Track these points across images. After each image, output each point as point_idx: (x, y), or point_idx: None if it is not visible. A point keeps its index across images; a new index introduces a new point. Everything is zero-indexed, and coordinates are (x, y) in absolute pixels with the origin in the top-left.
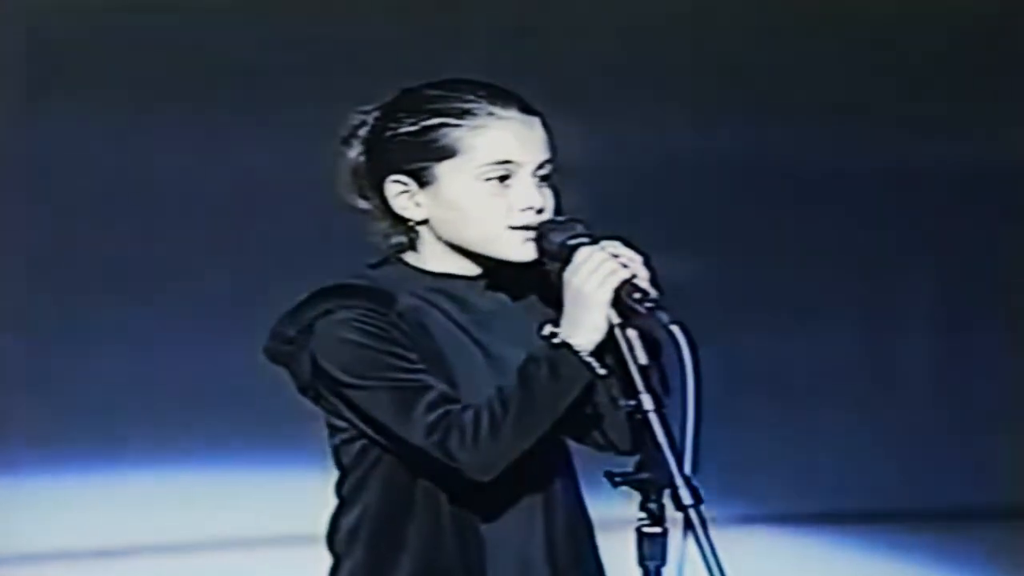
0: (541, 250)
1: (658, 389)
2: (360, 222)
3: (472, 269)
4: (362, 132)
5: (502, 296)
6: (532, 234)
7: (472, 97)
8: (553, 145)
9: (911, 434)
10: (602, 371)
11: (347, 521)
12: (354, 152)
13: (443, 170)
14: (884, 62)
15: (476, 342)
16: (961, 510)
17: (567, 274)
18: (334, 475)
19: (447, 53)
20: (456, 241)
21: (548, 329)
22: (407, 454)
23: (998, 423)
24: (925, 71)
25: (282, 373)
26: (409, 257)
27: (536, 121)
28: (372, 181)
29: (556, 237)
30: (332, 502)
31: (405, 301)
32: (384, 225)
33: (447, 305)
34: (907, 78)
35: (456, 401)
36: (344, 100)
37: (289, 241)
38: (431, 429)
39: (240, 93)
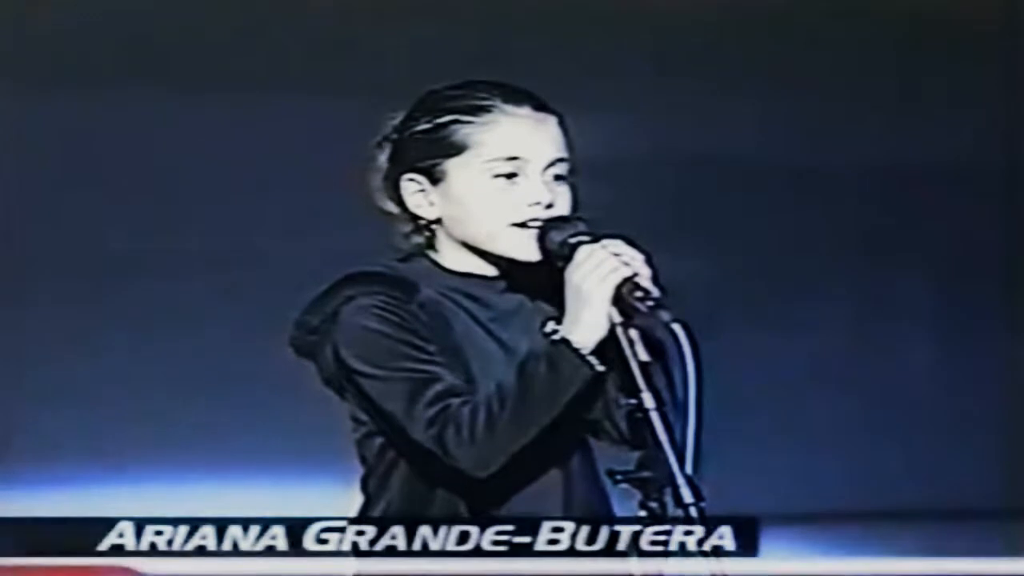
0: (543, 248)
1: (659, 388)
2: (383, 223)
3: (489, 270)
4: (392, 137)
5: (520, 296)
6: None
7: (485, 95)
8: (570, 145)
9: (910, 433)
10: (601, 368)
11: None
12: (383, 156)
13: (452, 166)
14: (885, 62)
15: (496, 339)
16: (962, 509)
17: (568, 272)
18: (352, 471)
19: (448, 53)
20: (464, 239)
21: (549, 326)
22: (408, 449)
23: (998, 422)
24: (926, 71)
25: (295, 375)
26: (431, 255)
27: (551, 119)
28: (392, 180)
29: (557, 235)
30: (359, 498)
31: (426, 292)
32: (405, 227)
33: (467, 303)
34: (908, 78)
35: (462, 395)
36: (345, 96)
37: (299, 239)
38: (430, 423)
39: (244, 85)
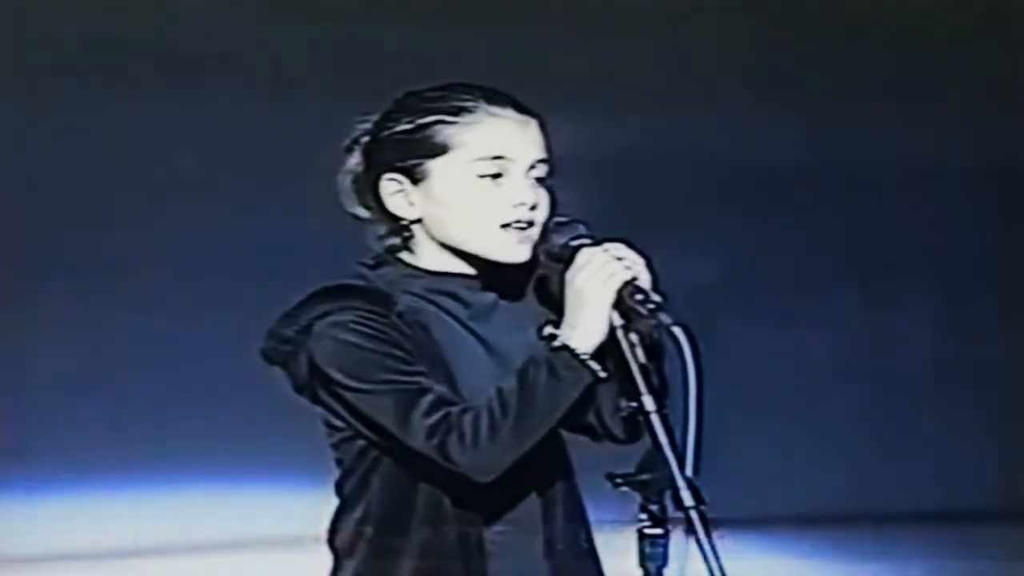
0: (543, 251)
1: (660, 390)
2: (359, 228)
3: (468, 269)
4: (363, 140)
5: (496, 293)
6: (524, 235)
7: (468, 96)
8: (549, 148)
9: (910, 435)
10: (602, 374)
11: (349, 521)
12: (354, 160)
13: (435, 166)
14: (885, 63)
15: (477, 336)
16: (960, 511)
17: (569, 275)
18: (331, 477)
19: (448, 54)
20: (447, 240)
21: (548, 330)
22: (406, 457)
23: (997, 425)
24: (926, 72)
25: (277, 376)
26: (405, 256)
27: (532, 122)
28: (369, 182)
29: (558, 238)
30: (333, 501)
31: (404, 301)
32: (381, 228)
33: (446, 302)
34: (907, 79)
35: (454, 403)
36: (342, 99)
37: (287, 241)
38: (431, 432)
39: (240, 90)
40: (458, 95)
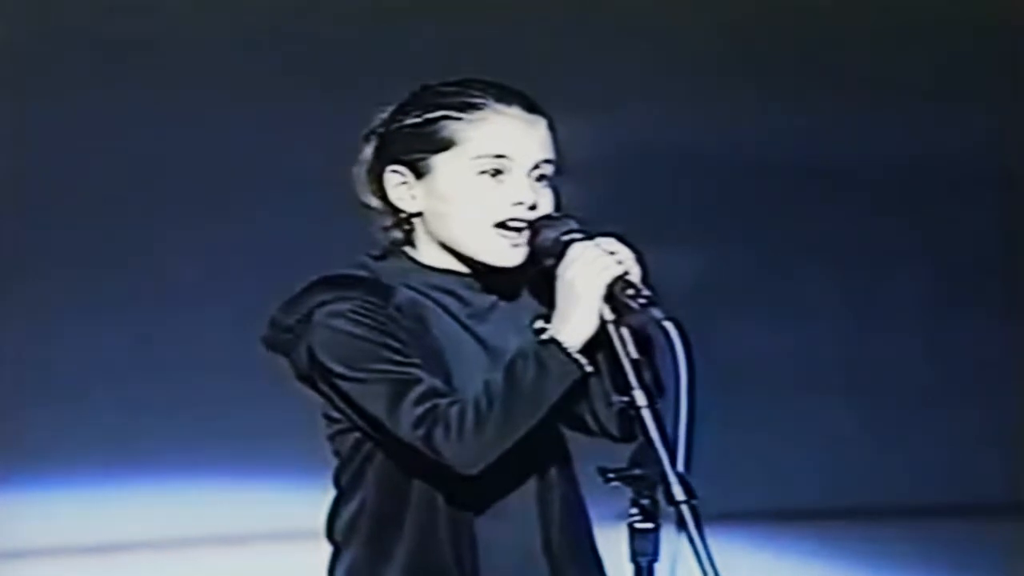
0: (535, 246)
1: (651, 385)
2: (365, 217)
3: (466, 268)
4: (379, 130)
5: (496, 294)
6: (520, 239)
7: (478, 93)
8: (557, 148)
9: (902, 430)
10: (589, 368)
11: (346, 513)
12: (369, 149)
13: (439, 161)
14: (882, 62)
15: (475, 335)
16: (952, 507)
17: (560, 269)
18: (328, 472)
19: (448, 53)
20: (443, 239)
21: (538, 324)
22: (395, 447)
23: (989, 420)
24: (923, 70)
25: (277, 371)
26: (408, 250)
27: (541, 121)
28: (376, 173)
29: (550, 233)
30: (331, 491)
31: (403, 294)
32: (385, 219)
33: (445, 299)
34: (904, 77)
35: (445, 395)
36: (343, 98)
37: (288, 236)
38: (417, 423)
39: (241, 85)
40: (469, 91)
